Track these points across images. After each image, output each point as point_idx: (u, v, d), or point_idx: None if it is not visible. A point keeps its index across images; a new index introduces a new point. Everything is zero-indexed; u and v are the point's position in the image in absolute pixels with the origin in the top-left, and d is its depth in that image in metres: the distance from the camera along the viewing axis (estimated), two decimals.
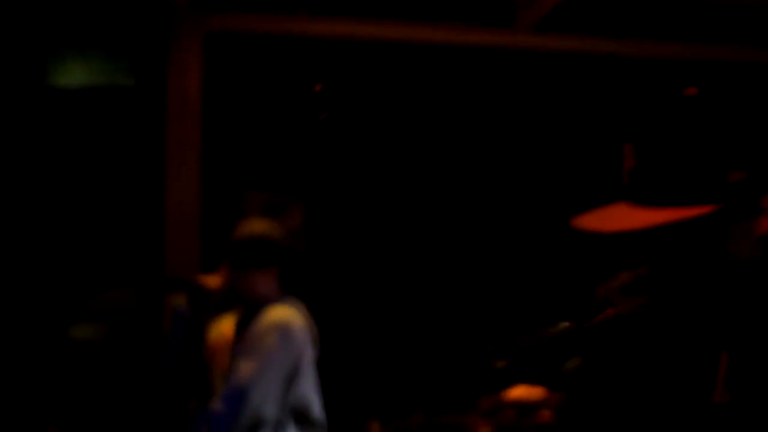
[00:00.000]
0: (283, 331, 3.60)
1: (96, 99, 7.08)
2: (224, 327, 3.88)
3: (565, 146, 8.12)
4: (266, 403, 3.54)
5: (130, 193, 7.00)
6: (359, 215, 7.85)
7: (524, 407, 6.27)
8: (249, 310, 3.73)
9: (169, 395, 3.95)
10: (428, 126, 7.89)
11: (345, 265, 7.78)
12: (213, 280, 3.80)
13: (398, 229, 7.86)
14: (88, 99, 7.07)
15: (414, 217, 7.89)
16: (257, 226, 3.92)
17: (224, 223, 6.76)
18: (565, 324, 8.14)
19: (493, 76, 7.81)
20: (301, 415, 3.65)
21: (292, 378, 3.58)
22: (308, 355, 3.63)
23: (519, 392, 6.52)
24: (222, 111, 7.25)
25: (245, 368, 3.53)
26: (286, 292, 3.81)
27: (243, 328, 3.73)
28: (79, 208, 6.99)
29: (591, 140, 8.09)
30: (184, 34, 6.95)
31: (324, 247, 7.51)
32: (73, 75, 7.09)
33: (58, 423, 5.96)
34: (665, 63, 7.71)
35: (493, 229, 7.91)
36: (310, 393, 3.66)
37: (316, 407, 3.70)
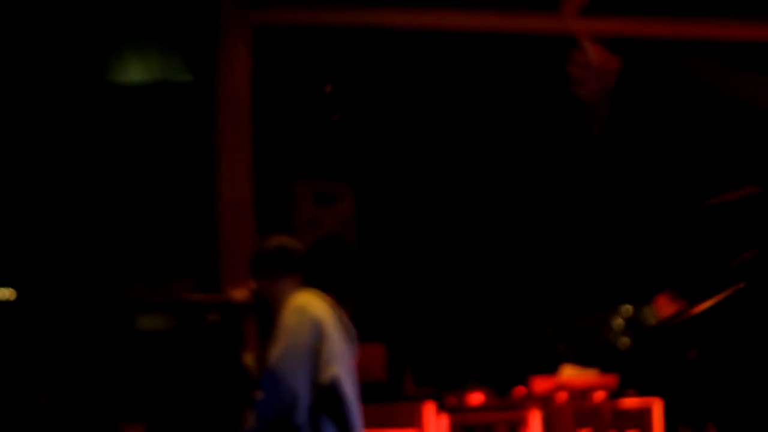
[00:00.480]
0: (300, 310, 3.76)
1: (151, 94, 7.23)
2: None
3: (612, 130, 8.12)
4: (296, 378, 3.67)
5: (186, 184, 7.13)
6: (411, 201, 7.92)
7: (577, 389, 6.31)
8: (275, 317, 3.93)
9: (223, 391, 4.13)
10: (476, 112, 7.94)
11: (398, 251, 7.86)
12: (241, 294, 3.98)
13: (454, 213, 7.93)
14: (144, 95, 7.22)
15: (470, 200, 7.96)
16: (276, 238, 4.09)
17: (276, 212, 6.89)
18: (628, 307, 8.15)
19: (537, 62, 7.83)
20: (332, 397, 3.74)
21: (317, 356, 3.69)
22: (333, 338, 3.71)
23: (572, 374, 6.57)
24: (271, 102, 7.35)
25: (273, 352, 3.70)
26: (330, 282, 3.99)
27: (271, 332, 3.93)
28: (137, 200, 7.15)
29: (639, 124, 8.06)
30: (232, 29, 7.04)
31: (376, 235, 7.60)
32: (130, 72, 7.25)
33: (127, 416, 6.12)
34: (713, 44, 7.67)
35: (556, 212, 7.97)
36: (340, 374, 3.75)
37: (347, 388, 3.77)
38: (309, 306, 3.83)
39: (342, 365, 3.83)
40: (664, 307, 6.48)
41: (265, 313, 3.94)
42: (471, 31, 7.42)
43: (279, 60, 7.48)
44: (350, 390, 3.85)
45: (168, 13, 7.18)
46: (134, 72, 7.26)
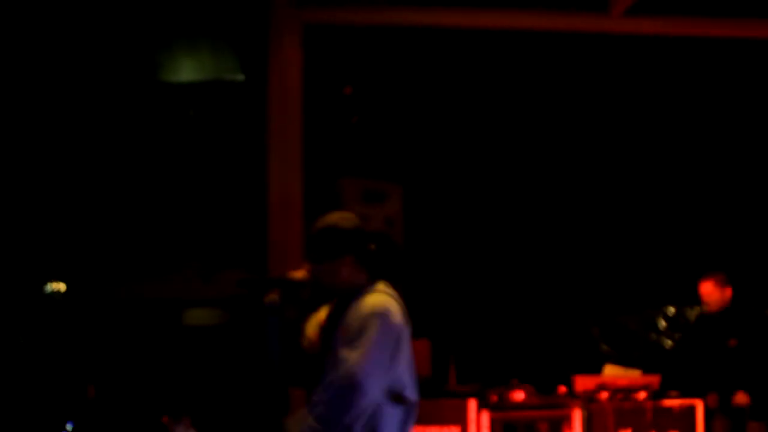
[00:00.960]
0: (383, 317, 3.71)
1: (205, 93, 7.39)
2: (321, 317, 4.03)
3: (662, 130, 8.13)
4: (373, 388, 3.68)
5: (237, 180, 7.28)
6: (459, 200, 7.99)
7: (619, 389, 6.36)
8: (341, 300, 3.86)
9: (275, 383, 4.13)
10: (526, 111, 7.98)
11: (444, 249, 7.93)
12: (300, 274, 3.96)
13: (501, 211, 7.98)
14: (199, 93, 7.38)
15: (517, 199, 8.01)
16: (327, 218, 4.01)
17: (325, 208, 6.99)
18: (671, 308, 8.13)
19: (587, 62, 7.87)
20: (396, 395, 3.79)
21: (394, 364, 3.73)
22: (405, 338, 3.77)
23: (614, 374, 6.61)
24: (321, 100, 7.46)
25: (353, 357, 3.66)
26: (378, 277, 3.93)
27: (338, 317, 3.85)
28: (190, 196, 7.30)
29: (689, 123, 8.08)
30: (283, 28, 7.16)
31: (423, 232, 7.68)
32: (184, 71, 7.40)
33: (174, 409, 6.23)
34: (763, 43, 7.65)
35: (603, 211, 7.99)
36: (405, 374, 3.80)
37: (410, 387, 3.84)
38: (392, 312, 3.71)
39: (411, 371, 3.86)
40: (709, 291, 6.54)
41: (323, 294, 3.93)
42: (523, 29, 7.48)
43: (329, 58, 7.59)
44: (412, 393, 3.88)
45: (221, 12, 7.33)
46: (188, 71, 7.42)
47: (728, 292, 6.48)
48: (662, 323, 7.98)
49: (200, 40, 7.42)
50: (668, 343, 7.85)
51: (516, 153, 8.06)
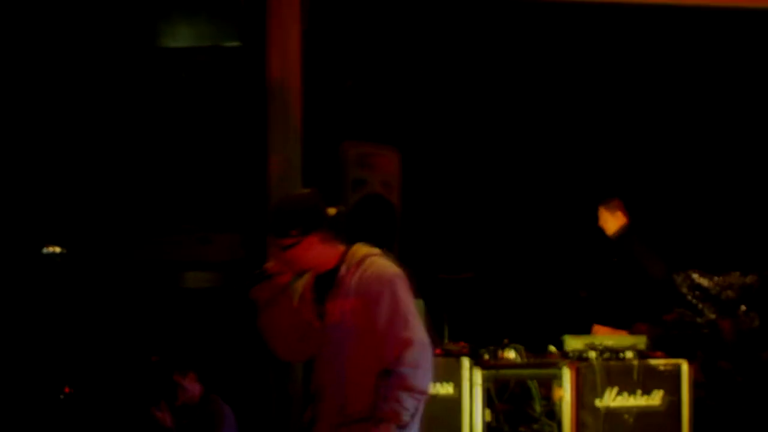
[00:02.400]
0: (401, 280, 3.89)
1: (203, 59, 7.49)
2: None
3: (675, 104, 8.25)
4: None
5: (237, 146, 7.40)
6: (455, 163, 8.13)
7: (607, 348, 6.55)
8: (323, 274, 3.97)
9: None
10: (524, 74, 8.08)
11: (439, 210, 8.10)
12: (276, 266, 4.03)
13: (496, 176, 8.13)
14: (196, 59, 7.48)
15: (513, 164, 8.17)
16: (280, 208, 3.89)
17: (324, 173, 7.15)
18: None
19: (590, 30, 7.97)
20: None
21: None
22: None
23: (603, 334, 6.82)
24: (321, 64, 7.57)
25: (412, 324, 3.68)
26: (368, 239, 4.04)
27: (327, 287, 3.90)
28: (190, 162, 7.43)
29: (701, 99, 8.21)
30: None
31: (419, 195, 7.83)
32: (181, 37, 7.49)
33: (178, 368, 6.38)
34: None
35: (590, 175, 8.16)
36: None
37: None
38: (400, 273, 3.88)
39: None
40: (603, 217, 7.11)
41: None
42: None
43: (328, 24, 7.69)
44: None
45: None
46: (185, 37, 7.51)
47: (620, 217, 7.08)
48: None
49: (197, 5, 7.50)
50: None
51: (511, 118, 8.20)
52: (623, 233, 7.13)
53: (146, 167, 7.46)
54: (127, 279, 7.32)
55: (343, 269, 3.85)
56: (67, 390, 7.09)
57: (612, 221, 7.17)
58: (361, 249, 3.92)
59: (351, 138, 7.23)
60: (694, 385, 6.51)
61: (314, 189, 3.96)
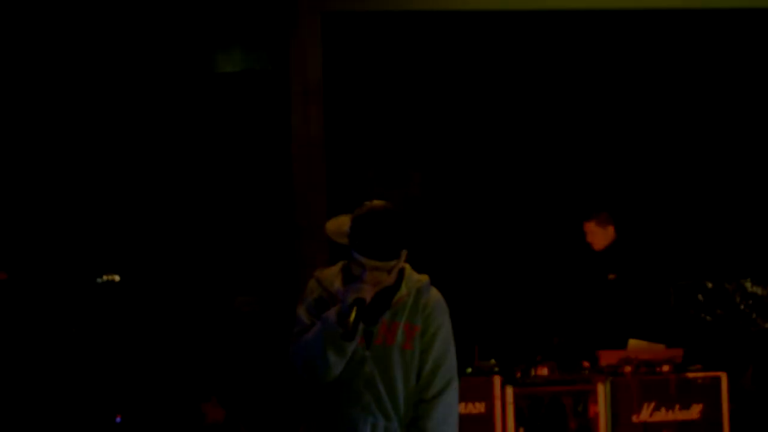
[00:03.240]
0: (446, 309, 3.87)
1: (233, 83, 7.56)
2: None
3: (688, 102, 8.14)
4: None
5: (264, 167, 7.45)
6: (483, 181, 8.06)
7: (643, 363, 6.42)
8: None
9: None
10: (546, 94, 8.03)
11: (467, 230, 8.02)
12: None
13: (521, 194, 8.05)
14: (227, 83, 7.56)
15: (540, 183, 8.09)
16: (381, 213, 3.66)
17: (349, 193, 7.12)
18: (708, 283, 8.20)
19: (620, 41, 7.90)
20: None
21: None
22: None
23: (638, 348, 6.67)
24: (342, 87, 7.57)
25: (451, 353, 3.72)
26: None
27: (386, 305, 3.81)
28: (219, 182, 7.50)
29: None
30: (303, 16, 7.29)
31: (445, 215, 7.77)
32: (216, 63, 7.57)
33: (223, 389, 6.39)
34: None
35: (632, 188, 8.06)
36: None
37: None
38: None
39: None
40: (592, 230, 6.95)
41: None
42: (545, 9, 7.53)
43: (350, 45, 7.69)
44: None
45: (249, 8, 7.48)
46: (219, 63, 7.58)
47: (611, 231, 6.89)
48: (700, 297, 8.04)
49: (230, 35, 7.58)
50: (707, 318, 7.93)
51: (536, 136, 8.11)
52: (612, 247, 6.98)
53: (176, 191, 7.52)
54: (173, 303, 7.37)
55: (404, 289, 3.71)
56: (119, 417, 7.09)
57: (602, 235, 6.98)
58: (413, 271, 3.78)
59: (376, 159, 7.21)
60: (744, 394, 6.37)
61: (388, 202, 3.73)
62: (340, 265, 3.78)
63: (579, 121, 8.12)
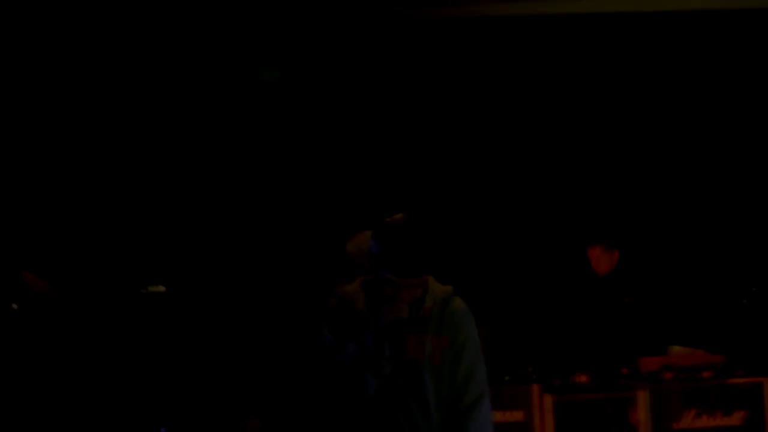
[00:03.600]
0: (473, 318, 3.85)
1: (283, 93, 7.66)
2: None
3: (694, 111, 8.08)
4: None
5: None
6: (511, 189, 8.04)
7: (684, 369, 6.37)
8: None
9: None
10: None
11: (505, 232, 7.99)
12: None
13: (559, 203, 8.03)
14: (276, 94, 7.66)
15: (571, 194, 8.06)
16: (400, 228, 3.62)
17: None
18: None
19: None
20: None
21: None
22: None
23: (679, 354, 6.62)
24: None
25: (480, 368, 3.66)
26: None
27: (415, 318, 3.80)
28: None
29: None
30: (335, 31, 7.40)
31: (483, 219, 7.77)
32: (266, 73, 7.67)
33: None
34: None
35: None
36: None
37: None
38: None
39: None
40: (598, 256, 6.82)
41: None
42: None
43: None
44: None
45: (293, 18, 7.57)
46: (270, 73, 7.69)
47: (616, 255, 6.80)
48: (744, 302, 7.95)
49: (280, 47, 7.67)
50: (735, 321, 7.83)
51: (555, 151, 8.07)
52: (614, 271, 6.89)
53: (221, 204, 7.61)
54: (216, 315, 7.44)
55: (428, 301, 3.67)
56: (163, 429, 7.15)
57: (608, 260, 6.85)
58: (435, 282, 3.74)
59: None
60: None
61: (407, 215, 3.69)
62: (359, 281, 3.73)
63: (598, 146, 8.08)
